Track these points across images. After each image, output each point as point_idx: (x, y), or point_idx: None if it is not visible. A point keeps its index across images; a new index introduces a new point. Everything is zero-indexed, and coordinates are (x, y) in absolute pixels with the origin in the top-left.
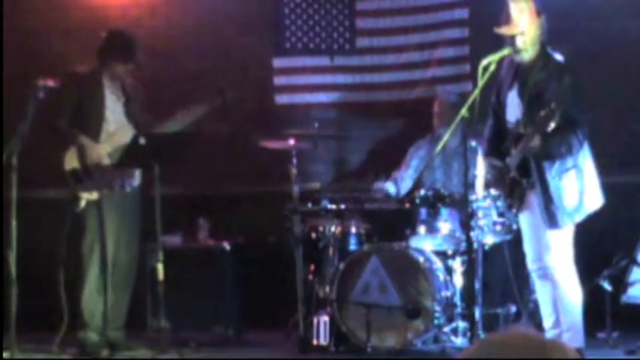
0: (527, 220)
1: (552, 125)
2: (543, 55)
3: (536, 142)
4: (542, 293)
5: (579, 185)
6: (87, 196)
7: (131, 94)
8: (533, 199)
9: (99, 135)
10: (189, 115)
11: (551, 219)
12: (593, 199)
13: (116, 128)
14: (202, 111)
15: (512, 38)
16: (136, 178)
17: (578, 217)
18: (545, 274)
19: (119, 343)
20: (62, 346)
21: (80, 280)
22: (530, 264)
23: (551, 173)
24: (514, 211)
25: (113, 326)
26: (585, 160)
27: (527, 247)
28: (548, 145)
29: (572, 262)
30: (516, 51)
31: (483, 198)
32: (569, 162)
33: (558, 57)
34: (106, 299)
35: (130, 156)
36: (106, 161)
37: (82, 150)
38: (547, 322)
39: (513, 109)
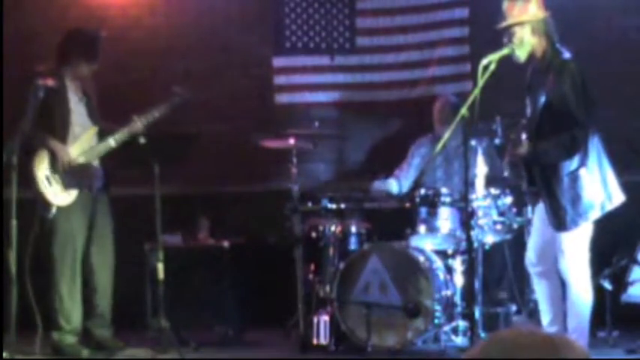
0: (538, 216)
1: (523, 149)
2: (550, 55)
3: (523, 149)
4: (538, 290)
5: (588, 185)
6: (58, 202)
7: (90, 94)
8: (542, 201)
9: (66, 138)
10: (151, 116)
11: (559, 222)
12: (607, 197)
13: (81, 130)
14: (161, 111)
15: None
16: (101, 178)
17: (590, 217)
18: (542, 272)
19: (106, 343)
20: (42, 348)
21: (52, 283)
22: (529, 257)
23: (556, 176)
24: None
25: (98, 326)
26: (596, 158)
27: (531, 242)
28: (542, 151)
29: (587, 265)
30: (508, 48)
31: (483, 197)
32: (575, 162)
33: (566, 55)
34: (86, 301)
35: (129, 156)
36: (80, 162)
37: (54, 154)
38: (544, 319)
39: (528, 110)
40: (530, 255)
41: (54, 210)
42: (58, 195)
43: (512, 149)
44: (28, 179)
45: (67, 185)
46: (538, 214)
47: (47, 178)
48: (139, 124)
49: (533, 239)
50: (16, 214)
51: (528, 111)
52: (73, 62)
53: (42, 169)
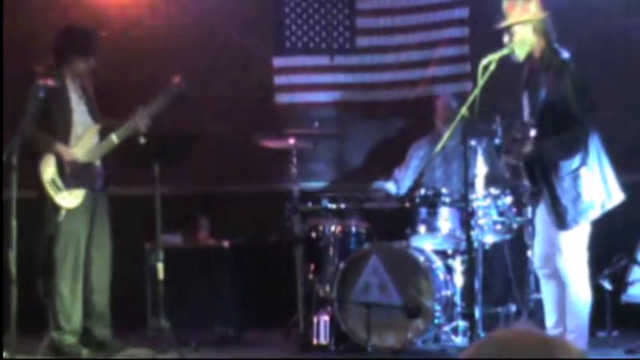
0: (540, 218)
1: (528, 148)
2: (549, 55)
3: (528, 148)
4: (545, 292)
5: (589, 184)
6: (66, 205)
7: (88, 91)
8: (543, 201)
9: (68, 138)
10: (150, 108)
11: (560, 220)
12: (607, 196)
13: (83, 129)
14: (161, 103)
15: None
16: (102, 177)
17: (591, 216)
18: (550, 274)
19: (105, 343)
20: (43, 348)
21: (53, 284)
22: (536, 261)
23: (557, 175)
24: (531, 204)
25: (97, 326)
26: (596, 157)
27: (536, 245)
28: (545, 150)
29: (585, 264)
30: (508, 47)
31: (483, 197)
32: (576, 162)
33: (565, 55)
34: (85, 301)
35: (130, 155)
36: (84, 161)
37: (59, 157)
38: (550, 320)
39: (526, 109)
40: (536, 258)
41: (63, 213)
42: (66, 198)
43: (517, 148)
44: (31, 181)
45: (72, 186)
46: (539, 218)
47: (55, 182)
48: (138, 119)
49: (537, 243)
50: (16, 214)
51: (526, 110)
52: (70, 59)
53: (49, 173)
